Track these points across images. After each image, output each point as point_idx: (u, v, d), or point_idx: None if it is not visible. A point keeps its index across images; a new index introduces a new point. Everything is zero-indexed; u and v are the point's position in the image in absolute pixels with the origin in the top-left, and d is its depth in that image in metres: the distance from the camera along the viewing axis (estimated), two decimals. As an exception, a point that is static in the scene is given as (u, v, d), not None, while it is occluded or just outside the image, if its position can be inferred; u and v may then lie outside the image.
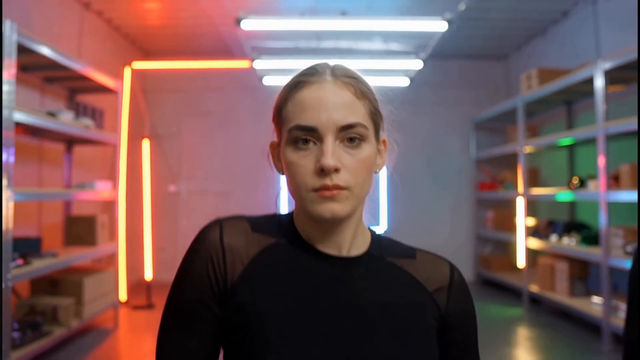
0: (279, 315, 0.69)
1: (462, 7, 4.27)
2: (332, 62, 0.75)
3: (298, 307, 0.70)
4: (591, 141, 4.20)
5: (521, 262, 5.25)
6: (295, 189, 0.72)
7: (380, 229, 5.66)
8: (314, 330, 0.68)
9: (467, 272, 6.62)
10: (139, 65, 5.94)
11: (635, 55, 3.37)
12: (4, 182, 2.82)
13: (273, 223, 0.78)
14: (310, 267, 0.73)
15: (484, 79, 6.82)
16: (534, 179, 5.56)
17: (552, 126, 5.61)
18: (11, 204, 2.89)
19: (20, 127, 3.30)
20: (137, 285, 6.08)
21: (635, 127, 3.43)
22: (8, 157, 2.88)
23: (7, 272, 2.87)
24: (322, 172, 0.68)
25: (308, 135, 0.70)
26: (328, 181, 0.68)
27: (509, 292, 5.61)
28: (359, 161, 0.70)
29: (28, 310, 3.54)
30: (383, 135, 0.77)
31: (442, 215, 6.67)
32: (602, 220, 3.81)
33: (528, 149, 5.28)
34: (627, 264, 3.58)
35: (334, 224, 0.73)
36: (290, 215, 0.79)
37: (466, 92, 6.77)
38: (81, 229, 4.42)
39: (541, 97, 4.84)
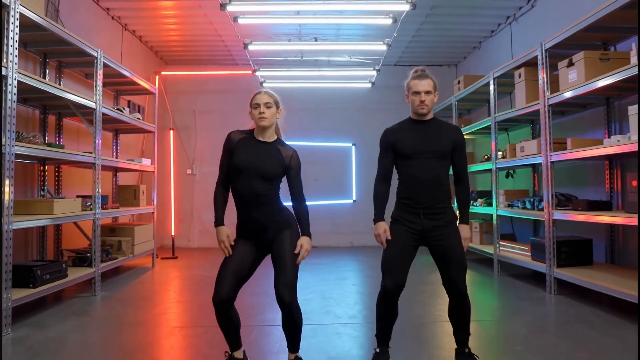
0: (242, 154, 2.44)
1: (395, 34, 5.93)
2: (265, 88, 2.55)
3: (248, 153, 2.44)
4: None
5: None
6: (254, 119, 2.47)
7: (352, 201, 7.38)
8: (251, 160, 2.41)
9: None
10: (166, 72, 7.54)
11: (511, 67, 5.00)
12: (96, 155, 4.47)
13: (247, 132, 2.53)
14: (254, 144, 2.48)
15: (439, 82, 8.33)
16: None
17: (480, 119, 7.22)
18: (99, 171, 4.54)
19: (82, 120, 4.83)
20: (160, 248, 7.72)
21: (515, 115, 5.03)
22: (97, 140, 4.51)
23: (99, 213, 4.53)
24: (260, 114, 2.43)
25: (256, 105, 2.44)
26: (262, 115, 2.43)
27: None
28: (270, 112, 2.46)
29: (101, 243, 5.17)
30: (280, 108, 2.53)
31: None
32: (493, 185, 5.49)
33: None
34: (506, 212, 5.20)
35: (264, 129, 2.47)
36: (252, 129, 2.53)
37: (424, 93, 8.35)
38: (127, 194, 6.05)
39: (465, 96, 6.47)
